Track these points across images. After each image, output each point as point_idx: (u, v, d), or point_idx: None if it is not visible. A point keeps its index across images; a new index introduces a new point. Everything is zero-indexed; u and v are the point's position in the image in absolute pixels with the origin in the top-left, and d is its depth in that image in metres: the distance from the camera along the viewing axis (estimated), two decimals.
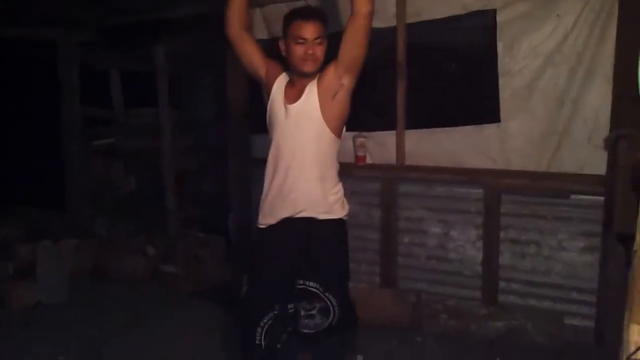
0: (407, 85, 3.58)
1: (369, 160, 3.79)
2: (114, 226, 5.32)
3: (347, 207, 2.54)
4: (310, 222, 2.44)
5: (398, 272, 3.74)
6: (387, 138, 3.68)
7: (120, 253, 4.79)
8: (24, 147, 5.50)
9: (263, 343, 2.45)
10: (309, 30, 2.33)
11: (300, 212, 2.43)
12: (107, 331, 3.67)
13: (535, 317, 3.25)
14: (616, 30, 3.01)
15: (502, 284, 3.43)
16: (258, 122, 4.17)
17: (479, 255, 3.48)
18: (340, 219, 2.50)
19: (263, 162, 4.14)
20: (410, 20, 3.53)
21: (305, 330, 2.47)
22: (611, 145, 3.06)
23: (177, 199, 5.53)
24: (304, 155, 2.40)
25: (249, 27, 2.61)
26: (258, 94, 4.16)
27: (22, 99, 5.47)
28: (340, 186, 2.52)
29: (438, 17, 3.45)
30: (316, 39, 2.35)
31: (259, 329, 2.44)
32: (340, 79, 2.38)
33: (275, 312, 2.45)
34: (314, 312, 2.45)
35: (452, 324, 3.42)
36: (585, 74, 3.12)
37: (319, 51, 2.37)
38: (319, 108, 2.39)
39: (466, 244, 3.53)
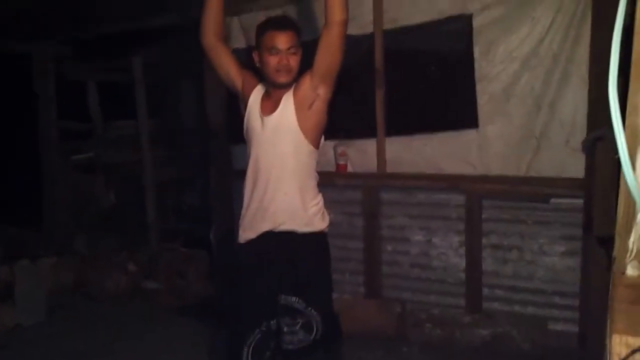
0: (385, 92, 3.57)
1: (350, 169, 3.77)
2: (95, 242, 5.25)
3: (327, 218, 2.51)
4: (290, 236, 2.40)
5: (383, 282, 3.71)
6: (368, 146, 3.65)
7: (101, 270, 4.72)
8: None
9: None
10: (282, 40, 2.31)
11: (280, 225, 2.39)
12: (89, 350, 3.61)
13: (520, 323, 3.24)
14: (590, 32, 3.02)
15: (486, 291, 3.41)
16: (238, 133, 4.17)
17: (462, 262, 3.46)
18: (321, 232, 2.47)
19: (243, 173, 4.17)
20: (387, 26, 3.52)
21: (289, 347, 2.42)
22: (589, 147, 3.05)
23: (158, 212, 5.48)
24: (283, 168, 2.37)
25: (224, 38, 2.57)
26: (237, 104, 4.17)
27: None
28: (320, 197, 2.49)
29: (415, 22, 3.44)
30: (289, 48, 2.32)
31: (246, 348, 2.40)
32: (316, 89, 2.35)
33: (262, 329, 2.41)
34: (296, 327, 2.40)
35: (437, 333, 3.40)
36: (561, 76, 3.12)
37: (293, 61, 2.34)
38: (295, 119, 2.36)
39: (449, 250, 3.51)
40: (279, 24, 2.36)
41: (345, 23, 2.28)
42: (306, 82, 2.36)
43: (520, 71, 3.21)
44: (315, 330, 2.41)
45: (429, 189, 3.52)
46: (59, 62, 5.41)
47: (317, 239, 2.46)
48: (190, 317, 4.11)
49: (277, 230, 2.40)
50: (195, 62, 4.60)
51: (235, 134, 4.17)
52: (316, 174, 2.50)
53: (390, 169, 3.63)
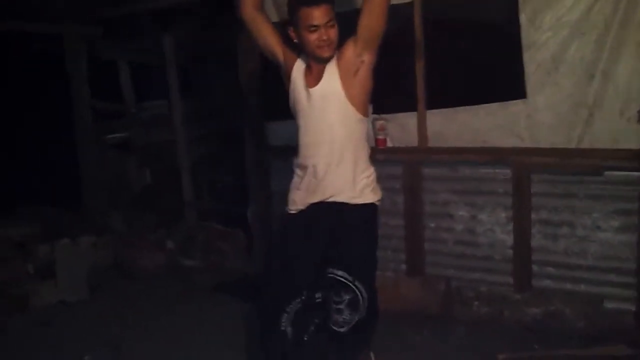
0: (426, 63, 3.43)
1: (389, 144, 3.65)
2: (131, 221, 5.26)
3: (379, 191, 2.45)
4: (340, 207, 2.36)
5: (425, 259, 3.62)
6: (408, 119, 3.53)
7: (138, 248, 4.75)
8: (36, 145, 5.43)
9: (288, 330, 2.35)
10: (318, 16, 2.22)
11: (331, 196, 2.36)
12: (129, 326, 3.64)
13: (573, 301, 3.12)
14: None
15: (536, 268, 3.29)
16: (273, 109, 4.12)
17: (510, 239, 3.34)
18: (372, 204, 2.42)
19: (280, 150, 4.13)
20: None
21: (334, 328, 2.36)
22: None
23: (194, 190, 5.46)
24: (332, 138, 2.34)
25: (263, 8, 2.49)
26: (272, 80, 4.08)
27: (32, 96, 5.38)
28: (372, 170, 2.45)
29: None
30: (327, 22, 2.24)
31: (285, 315, 2.34)
32: (360, 55, 2.30)
33: (303, 297, 2.35)
34: (342, 305, 2.34)
35: (485, 311, 3.31)
36: (614, 43, 2.93)
37: (333, 34, 2.27)
38: (341, 88, 2.32)
39: (495, 227, 3.39)
40: None
41: None
42: (350, 49, 2.30)
43: (569, 38, 3.04)
44: (360, 308, 2.35)
45: (474, 163, 3.39)
46: (91, 42, 5.37)
47: (368, 211, 2.41)
48: (227, 294, 4.09)
49: (327, 201, 2.36)
50: (229, 38, 4.56)
51: (270, 110, 4.14)
52: (368, 145, 2.45)
53: (432, 143, 3.51)
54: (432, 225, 3.60)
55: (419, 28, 3.41)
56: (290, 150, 4.03)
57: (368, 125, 2.46)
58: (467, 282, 3.48)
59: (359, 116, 2.37)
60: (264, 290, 2.49)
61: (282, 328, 2.34)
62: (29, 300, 4.07)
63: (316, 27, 2.23)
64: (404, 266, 3.67)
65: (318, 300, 2.38)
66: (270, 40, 2.45)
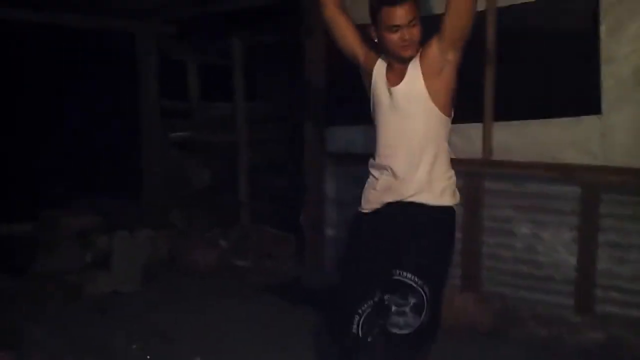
0: (496, 73, 3.34)
1: (451, 155, 3.55)
2: (189, 218, 5.35)
3: (458, 195, 2.38)
4: (418, 208, 2.29)
5: (482, 275, 3.49)
6: (472, 130, 3.43)
7: (193, 245, 4.81)
8: (104, 138, 5.63)
9: (360, 332, 2.28)
10: (401, 16, 2.17)
11: (410, 196, 2.29)
12: (179, 320, 3.67)
13: (638, 328, 2.93)
14: None
15: (599, 291, 3.12)
16: (335, 115, 4.12)
17: (573, 260, 3.19)
18: (450, 207, 2.34)
19: (338, 156, 4.11)
20: (500, 3, 3.29)
21: (394, 330, 2.24)
22: None
23: (250, 192, 5.50)
24: (414, 138, 2.28)
25: (344, 7, 2.48)
26: (335, 86, 4.09)
27: (103, 90, 5.58)
28: (452, 172, 2.38)
29: None
30: (410, 21, 2.18)
31: (357, 317, 2.28)
32: (445, 53, 2.23)
33: (376, 299, 2.29)
34: (406, 308, 2.23)
35: (542, 332, 3.15)
36: None
37: (416, 33, 2.21)
38: (424, 87, 2.25)
39: (559, 246, 3.24)
40: None
41: None
42: (433, 48, 2.24)
43: None
44: (424, 313, 2.22)
45: (540, 178, 3.27)
46: (162, 41, 5.53)
47: (446, 214, 2.33)
48: (276, 295, 4.09)
49: (405, 201, 2.30)
50: (295, 43, 4.60)
51: (332, 116, 4.14)
52: (449, 147, 2.39)
53: (496, 155, 3.40)
54: (491, 241, 3.47)
55: (491, 36, 3.32)
56: (348, 157, 4.07)
57: (449, 126, 2.39)
58: (524, 301, 3.33)
59: (442, 116, 2.30)
60: (338, 290, 2.46)
61: (354, 330, 2.29)
62: (84, 288, 4.17)
63: (398, 27, 2.18)
64: (458, 281, 3.55)
65: (386, 302, 2.28)
66: (351, 40, 2.43)
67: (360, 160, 3.89)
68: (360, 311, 2.27)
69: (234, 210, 5.38)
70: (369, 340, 2.30)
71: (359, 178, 3.92)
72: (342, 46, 2.48)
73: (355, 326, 2.28)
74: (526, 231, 3.35)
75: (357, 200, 3.94)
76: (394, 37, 2.20)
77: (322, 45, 4.07)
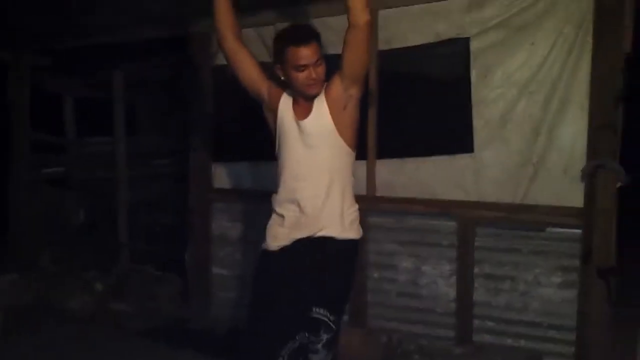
0: (378, 113, 3.45)
1: None
2: (62, 260, 4.96)
3: (361, 229, 2.44)
4: (326, 242, 2.32)
5: (368, 310, 3.53)
6: (357, 168, 3.47)
7: (65, 289, 4.46)
8: None
9: None
10: (307, 55, 2.23)
11: (319, 231, 2.32)
12: None
13: (514, 357, 3.08)
14: (591, 59, 2.96)
15: (477, 322, 3.25)
16: (220, 151, 4.06)
17: (453, 292, 3.31)
18: (356, 240, 2.39)
19: (224, 192, 4.04)
20: (381, 47, 3.43)
21: None
22: (588, 176, 2.96)
23: (130, 232, 5.23)
24: (322, 172, 2.33)
25: (243, 41, 2.48)
26: (220, 122, 4.04)
27: None
28: (357, 206, 2.44)
29: (410, 44, 3.37)
30: (316, 61, 2.25)
31: (280, 359, 2.26)
32: (347, 90, 2.31)
33: (297, 339, 2.28)
34: (319, 345, 2.28)
35: None
36: (560, 103, 3.04)
37: (321, 72, 2.29)
38: (331, 121, 2.31)
39: (439, 279, 3.36)
40: (301, 38, 2.25)
41: (370, 24, 2.24)
42: (337, 84, 2.31)
43: (518, 96, 3.13)
44: (333, 347, 2.30)
45: (420, 214, 3.39)
46: (38, 72, 5.20)
47: (352, 247, 2.38)
48: (160, 341, 3.85)
49: (315, 236, 2.31)
50: (179, 79, 4.51)
51: (217, 152, 4.07)
52: (353, 179, 2.44)
53: (380, 192, 3.49)
54: (376, 275, 3.53)
55: (373, 78, 3.43)
56: (234, 192, 4.01)
57: (354, 159, 2.46)
58: (409, 335, 3.39)
59: (348, 149, 2.38)
60: (252, 333, 2.39)
61: None
62: None
63: (305, 66, 2.23)
64: (346, 316, 3.54)
65: (302, 341, 2.30)
66: (253, 73, 2.44)
67: (247, 197, 3.89)
68: (283, 354, 2.25)
69: (113, 251, 5.06)
70: None
71: (247, 214, 3.92)
72: (243, 79, 2.46)
73: None
74: (408, 265, 3.44)
75: (245, 237, 3.93)
76: (301, 75, 2.25)
77: (209, 81, 4.02)
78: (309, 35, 2.26)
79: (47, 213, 5.29)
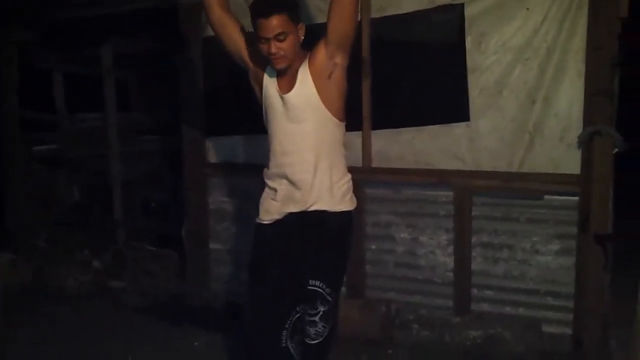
0: (372, 83, 3.40)
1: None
2: (57, 239, 4.93)
3: (355, 199, 2.41)
4: (320, 215, 2.30)
5: (366, 281, 3.53)
6: (353, 139, 3.44)
7: (63, 267, 4.44)
8: None
9: (290, 345, 2.29)
10: (267, 28, 2.15)
11: (311, 205, 2.28)
12: (47, 355, 3.33)
13: (513, 325, 3.09)
14: (587, 24, 2.91)
15: (475, 291, 3.26)
16: (214, 125, 4.01)
17: (450, 262, 3.31)
18: (349, 211, 2.37)
19: (218, 167, 4.00)
20: (375, 14, 3.36)
21: (308, 341, 2.30)
22: (585, 143, 2.94)
23: (126, 209, 5.19)
24: (310, 145, 2.27)
25: (230, 9, 2.42)
26: (213, 95, 3.98)
27: None
28: (349, 176, 2.40)
29: (404, 11, 3.30)
30: (277, 35, 2.15)
31: (285, 332, 2.27)
32: (333, 57, 2.24)
33: (298, 311, 2.29)
34: (316, 318, 2.28)
35: (425, 335, 3.23)
36: (556, 69, 3.00)
37: (285, 46, 2.18)
38: (315, 92, 2.24)
39: (436, 249, 3.36)
40: (262, 9, 2.16)
41: None
42: (321, 52, 2.24)
43: (513, 63, 3.08)
44: (330, 319, 2.30)
45: (416, 184, 3.37)
46: (25, 48, 5.09)
47: (346, 219, 2.36)
48: (158, 317, 3.86)
49: (308, 210, 2.28)
50: (171, 52, 4.42)
51: (210, 126, 4.01)
52: (344, 151, 2.40)
53: (376, 163, 3.46)
54: (373, 247, 3.53)
55: (366, 46, 3.38)
56: (229, 167, 3.97)
57: (344, 130, 2.40)
58: (408, 305, 3.41)
59: (335, 120, 2.31)
60: (255, 308, 2.38)
61: (284, 344, 2.28)
62: None
63: (266, 39, 2.16)
64: (344, 288, 3.55)
65: (300, 313, 2.31)
66: (240, 44, 2.38)
67: (242, 171, 3.86)
68: (287, 326, 2.27)
69: (108, 228, 5.04)
70: (294, 352, 2.32)
71: (242, 189, 3.89)
72: (230, 50, 2.42)
73: (283, 340, 2.27)
74: (406, 236, 3.44)
75: (241, 211, 3.91)
76: (263, 47, 2.19)
77: (199, 53, 3.95)
78: (272, 7, 2.15)
79: (40, 192, 5.24)
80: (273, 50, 2.16)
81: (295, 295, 2.30)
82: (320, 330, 2.29)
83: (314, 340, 2.30)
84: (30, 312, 4.01)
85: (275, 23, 2.13)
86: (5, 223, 5.03)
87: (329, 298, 2.28)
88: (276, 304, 2.29)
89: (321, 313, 2.27)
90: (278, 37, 2.15)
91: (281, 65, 2.22)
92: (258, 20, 2.15)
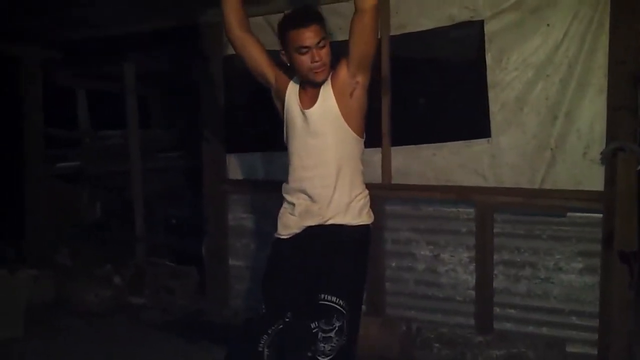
0: (392, 99, 3.41)
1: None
2: (78, 255, 4.98)
3: (372, 213, 2.44)
4: (338, 229, 2.32)
5: (386, 299, 3.51)
6: (373, 155, 3.45)
7: (84, 284, 4.47)
8: None
9: (265, 351, 2.28)
10: (308, 37, 2.21)
11: (330, 219, 2.32)
12: None
13: (536, 344, 3.04)
14: (608, 40, 2.89)
15: (497, 310, 3.22)
16: (234, 142, 4.03)
17: (472, 279, 3.27)
18: (367, 226, 2.40)
19: (239, 183, 4.02)
20: (394, 32, 3.38)
21: (320, 358, 2.24)
22: (608, 158, 2.90)
23: (146, 225, 5.23)
24: (329, 160, 2.31)
25: (250, 29, 2.47)
26: (234, 113, 4.01)
27: None
28: (367, 192, 2.43)
29: (424, 28, 3.31)
30: (318, 43, 2.22)
31: (265, 336, 2.28)
32: (354, 77, 2.30)
33: (287, 319, 2.28)
34: (332, 333, 2.24)
35: (446, 354, 3.18)
36: (577, 85, 2.97)
37: (325, 54, 2.25)
38: (338, 109, 2.30)
39: (458, 267, 3.32)
40: (300, 20, 2.23)
41: (377, 8, 2.22)
42: (343, 71, 2.29)
43: (534, 79, 3.07)
44: (345, 334, 2.26)
45: (437, 201, 3.35)
46: (49, 66, 5.19)
47: (364, 233, 2.38)
48: (177, 334, 3.85)
49: (326, 224, 2.32)
50: (191, 68, 4.47)
51: (231, 143, 4.04)
52: (361, 166, 2.43)
53: (396, 180, 3.45)
54: (393, 264, 3.50)
55: (385, 64, 3.39)
56: (248, 183, 3.99)
57: (363, 146, 2.45)
58: (428, 323, 3.37)
59: (356, 137, 2.36)
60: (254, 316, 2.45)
61: (260, 348, 2.28)
62: None
63: (307, 48, 2.21)
64: (363, 306, 3.51)
65: (314, 330, 2.26)
66: (260, 61, 2.43)
67: (262, 187, 3.87)
68: (269, 331, 2.27)
69: (128, 245, 5.07)
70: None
71: (262, 205, 3.89)
72: (251, 68, 2.46)
73: (261, 344, 2.27)
74: (426, 253, 3.41)
75: (261, 228, 3.91)
76: (304, 59, 2.23)
77: (219, 71, 3.99)
78: (309, 17, 2.23)
79: (62, 208, 5.30)
80: (316, 58, 2.22)
81: (294, 304, 2.31)
82: (335, 346, 2.24)
83: (328, 356, 2.24)
84: (50, 327, 4.03)
85: (316, 31, 2.21)
86: (27, 239, 5.09)
87: (345, 312, 2.24)
88: (268, 311, 2.32)
89: (337, 329, 2.24)
90: (319, 45, 2.22)
91: (322, 77, 2.28)
92: (298, 30, 2.20)
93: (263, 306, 2.38)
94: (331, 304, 2.24)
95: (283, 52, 2.32)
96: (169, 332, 3.90)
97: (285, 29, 2.25)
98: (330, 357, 2.24)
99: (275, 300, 2.33)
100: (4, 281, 4.02)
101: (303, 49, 2.21)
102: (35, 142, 5.13)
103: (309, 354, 2.26)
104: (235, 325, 3.82)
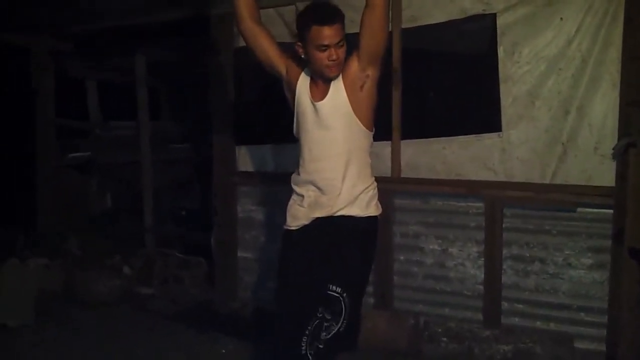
0: (403, 92, 3.39)
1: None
2: (88, 245, 5.01)
3: (380, 205, 2.46)
4: (347, 221, 2.34)
5: (394, 293, 3.50)
6: (382, 149, 3.44)
7: (93, 273, 4.50)
8: None
9: (309, 353, 2.26)
10: (330, 35, 2.21)
11: (339, 210, 2.33)
12: (74, 357, 3.38)
13: (544, 339, 3.03)
14: (622, 34, 2.86)
15: (506, 305, 3.21)
16: (244, 134, 4.04)
17: (481, 274, 3.26)
18: (375, 217, 2.41)
19: (248, 175, 4.02)
20: (406, 25, 3.36)
21: (319, 345, 2.27)
22: (620, 154, 2.88)
23: (156, 216, 5.26)
24: (339, 152, 2.32)
25: (261, 20, 2.48)
26: (243, 105, 4.02)
27: None
28: (375, 184, 2.45)
29: (435, 21, 3.28)
30: (338, 42, 2.23)
31: (305, 338, 2.25)
32: (365, 70, 2.31)
33: (319, 315, 2.27)
34: (333, 322, 2.27)
35: (454, 348, 3.18)
36: (590, 79, 2.95)
37: (342, 53, 2.27)
38: (348, 102, 2.31)
39: (466, 261, 3.31)
40: (325, 17, 2.22)
41: (388, 2, 2.22)
42: (354, 65, 2.30)
43: (546, 73, 3.04)
44: (342, 318, 2.26)
45: (446, 195, 3.34)
46: (60, 58, 5.22)
47: (372, 224, 2.40)
48: (185, 324, 3.88)
49: (334, 215, 2.33)
50: (202, 62, 4.47)
51: (240, 135, 4.05)
52: (369, 159, 2.45)
53: (405, 173, 3.44)
54: (402, 258, 3.50)
55: (397, 57, 3.37)
56: (258, 175, 3.99)
57: (372, 139, 2.46)
58: (436, 317, 3.37)
59: (365, 129, 2.37)
60: (279, 314, 2.40)
61: (303, 351, 2.25)
62: None
63: (327, 47, 2.22)
64: (371, 299, 3.53)
65: (318, 319, 2.28)
66: (271, 53, 2.44)
67: (271, 179, 3.87)
68: (307, 332, 2.25)
69: (138, 235, 5.10)
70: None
71: (271, 197, 3.90)
72: (262, 59, 2.47)
73: (304, 347, 2.25)
74: (435, 247, 3.41)
75: (270, 220, 3.92)
76: (322, 55, 2.24)
77: (230, 63, 3.99)
78: (334, 16, 2.23)
79: (73, 198, 5.34)
80: (334, 56, 2.23)
81: (318, 299, 2.30)
82: (334, 334, 2.26)
83: (325, 344, 2.26)
84: (60, 315, 4.07)
85: (338, 29, 2.22)
86: (38, 228, 5.14)
87: (345, 304, 2.26)
88: (299, 310, 2.29)
89: (338, 318, 2.27)
90: (339, 44, 2.23)
91: (335, 73, 2.28)
92: (322, 27, 2.19)
93: (288, 304, 2.35)
94: (335, 294, 2.26)
95: (299, 43, 2.31)
96: (178, 322, 3.92)
97: (307, 23, 2.23)
98: (328, 345, 2.26)
99: (302, 298, 2.30)
100: (15, 269, 4.07)
101: (323, 47, 2.21)
102: (47, 133, 5.18)
103: (317, 339, 2.26)
104: (243, 316, 3.86)
